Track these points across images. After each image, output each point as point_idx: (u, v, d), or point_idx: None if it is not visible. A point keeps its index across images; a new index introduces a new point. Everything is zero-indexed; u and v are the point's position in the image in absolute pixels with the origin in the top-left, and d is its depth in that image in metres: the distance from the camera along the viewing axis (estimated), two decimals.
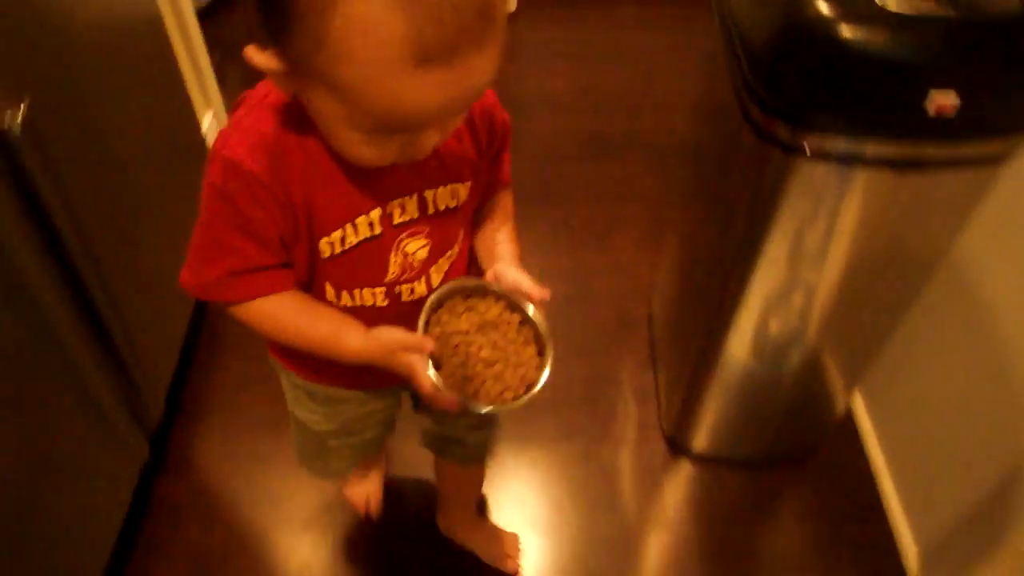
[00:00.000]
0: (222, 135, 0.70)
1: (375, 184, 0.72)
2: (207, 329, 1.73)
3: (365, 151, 0.65)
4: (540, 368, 0.79)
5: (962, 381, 1.27)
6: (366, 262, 0.77)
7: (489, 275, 0.82)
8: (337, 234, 0.74)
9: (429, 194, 0.77)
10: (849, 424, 1.60)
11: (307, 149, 0.69)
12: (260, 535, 1.43)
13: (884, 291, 1.20)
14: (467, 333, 0.79)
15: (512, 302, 0.81)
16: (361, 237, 0.75)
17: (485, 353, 0.78)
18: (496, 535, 1.41)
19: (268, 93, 0.69)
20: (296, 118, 0.67)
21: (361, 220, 0.74)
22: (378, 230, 0.75)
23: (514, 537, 1.41)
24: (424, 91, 0.55)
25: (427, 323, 0.77)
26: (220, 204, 0.69)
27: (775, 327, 1.28)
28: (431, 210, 0.78)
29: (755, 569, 1.40)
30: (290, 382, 0.99)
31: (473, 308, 0.81)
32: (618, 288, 1.85)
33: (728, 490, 1.52)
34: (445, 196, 0.78)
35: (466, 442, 1.13)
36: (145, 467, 1.42)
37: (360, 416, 1.02)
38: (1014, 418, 1.11)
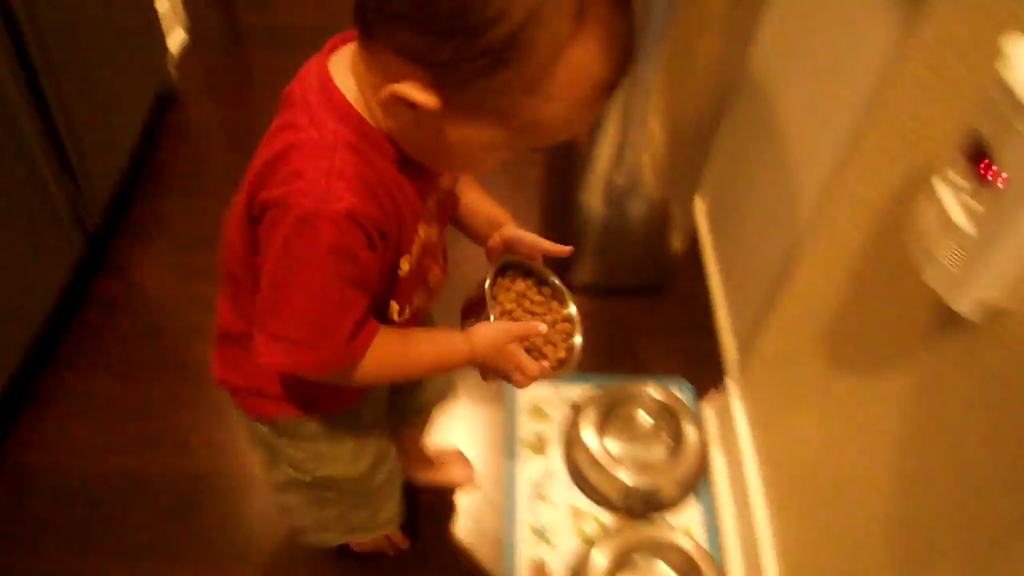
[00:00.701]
0: (306, 194, 0.62)
1: (423, 189, 0.73)
2: (152, 165, 1.98)
3: (487, 166, 0.69)
4: (569, 319, 0.89)
5: (765, 185, 1.52)
6: (425, 267, 0.80)
7: (496, 239, 0.89)
8: (414, 247, 0.74)
9: (442, 180, 0.79)
10: (698, 258, 1.87)
11: (387, 175, 0.67)
12: (187, 327, 1.67)
13: (695, 115, 1.45)
14: (513, 311, 0.86)
15: (522, 267, 0.90)
16: (422, 243, 0.76)
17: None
18: (444, 460, 1.45)
19: (334, 131, 0.64)
20: (366, 147, 0.65)
21: (421, 227, 0.74)
22: (432, 230, 0.78)
23: (458, 454, 1.47)
24: (592, 116, 0.64)
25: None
26: (339, 264, 0.65)
27: (618, 179, 1.56)
28: (442, 194, 0.81)
29: (611, 366, 1.65)
30: (307, 444, 0.91)
31: (508, 288, 0.88)
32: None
33: (600, 312, 1.78)
34: (447, 178, 0.81)
35: (427, 407, 1.19)
36: (84, 264, 1.65)
37: (380, 422, 1.00)
38: (798, 207, 1.35)
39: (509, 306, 0.86)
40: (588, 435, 1.45)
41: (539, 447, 1.51)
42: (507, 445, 1.51)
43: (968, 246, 0.65)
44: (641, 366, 1.66)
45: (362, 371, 0.73)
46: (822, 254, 1.10)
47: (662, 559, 1.33)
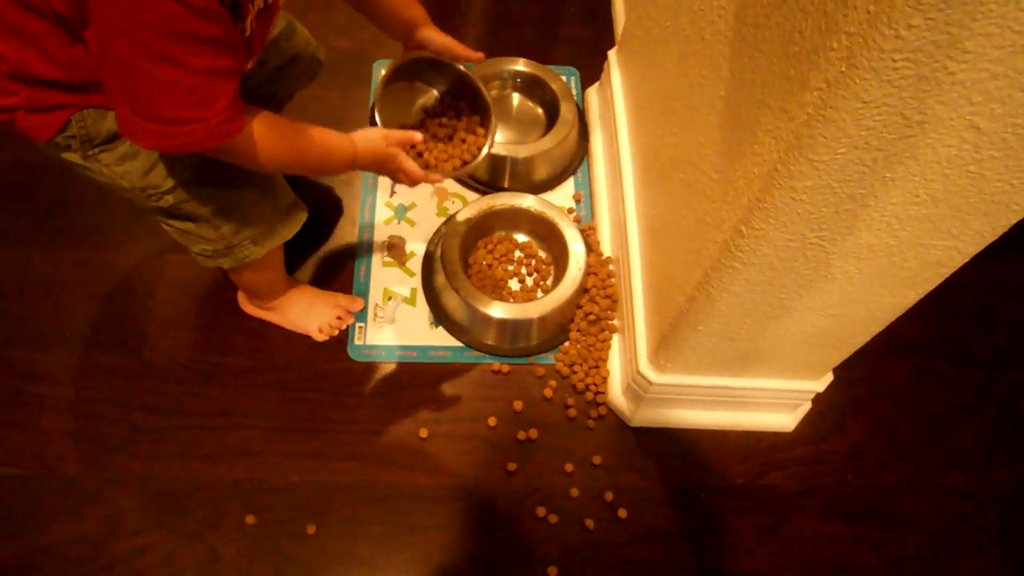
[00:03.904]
0: None
1: None
2: None
3: None
4: (485, 124, 1.02)
5: None
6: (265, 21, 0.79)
7: (411, 43, 0.96)
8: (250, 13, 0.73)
9: None
10: None
11: None
12: None
13: None
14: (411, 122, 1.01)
15: (422, 80, 1.01)
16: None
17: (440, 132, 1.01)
18: None
19: None
20: None
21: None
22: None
23: None
24: None
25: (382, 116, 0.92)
26: (194, 27, 0.63)
27: None
28: None
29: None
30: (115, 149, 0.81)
31: (402, 98, 1.00)
32: None
33: (491, 3, 1.62)
34: None
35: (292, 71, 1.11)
36: None
37: None
38: None
39: (404, 119, 1.01)
40: None
41: None
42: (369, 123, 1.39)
43: None
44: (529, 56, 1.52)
45: (257, 148, 0.74)
46: None
47: (520, 226, 1.26)
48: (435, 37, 0.96)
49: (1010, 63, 0.51)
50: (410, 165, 0.91)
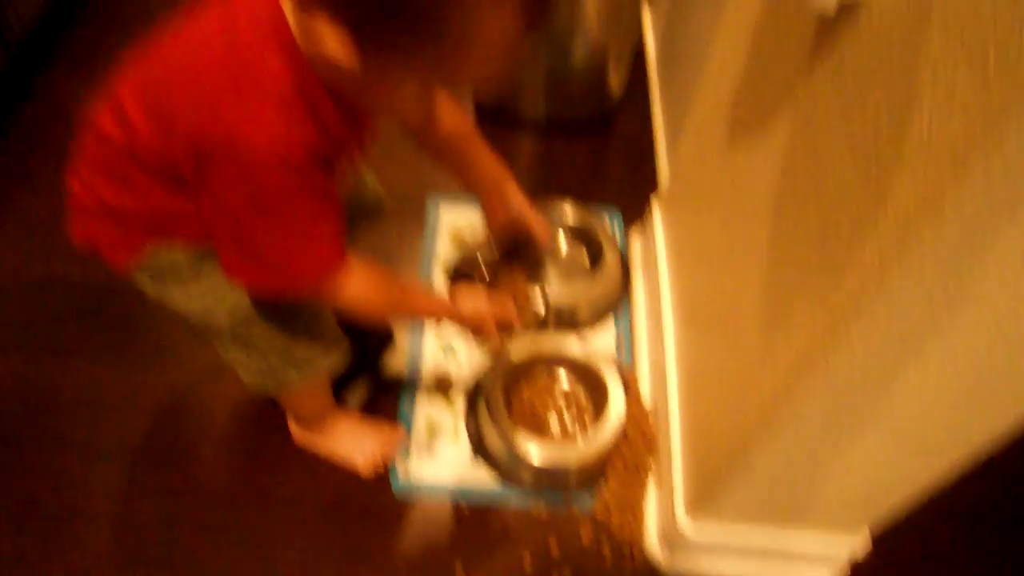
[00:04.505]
0: (259, 132, 0.65)
1: (357, 123, 0.80)
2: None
3: (417, 112, 0.90)
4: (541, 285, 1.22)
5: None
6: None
7: (500, 214, 1.11)
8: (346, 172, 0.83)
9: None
10: (645, 102, 1.81)
11: (328, 114, 0.70)
12: None
13: None
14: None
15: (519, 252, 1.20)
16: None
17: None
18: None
19: (279, 66, 0.65)
20: (309, 85, 0.68)
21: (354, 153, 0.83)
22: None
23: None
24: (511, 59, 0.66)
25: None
26: (300, 182, 0.69)
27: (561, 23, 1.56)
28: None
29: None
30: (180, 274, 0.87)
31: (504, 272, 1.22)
32: None
33: (544, 153, 1.74)
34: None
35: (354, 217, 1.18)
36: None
37: None
38: None
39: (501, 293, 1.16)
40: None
41: None
42: (424, 263, 1.47)
43: None
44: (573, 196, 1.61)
45: (355, 297, 0.80)
46: (730, 29, 1.03)
47: (562, 368, 1.30)
48: (518, 202, 1.10)
49: None
50: (493, 332, 1.02)
